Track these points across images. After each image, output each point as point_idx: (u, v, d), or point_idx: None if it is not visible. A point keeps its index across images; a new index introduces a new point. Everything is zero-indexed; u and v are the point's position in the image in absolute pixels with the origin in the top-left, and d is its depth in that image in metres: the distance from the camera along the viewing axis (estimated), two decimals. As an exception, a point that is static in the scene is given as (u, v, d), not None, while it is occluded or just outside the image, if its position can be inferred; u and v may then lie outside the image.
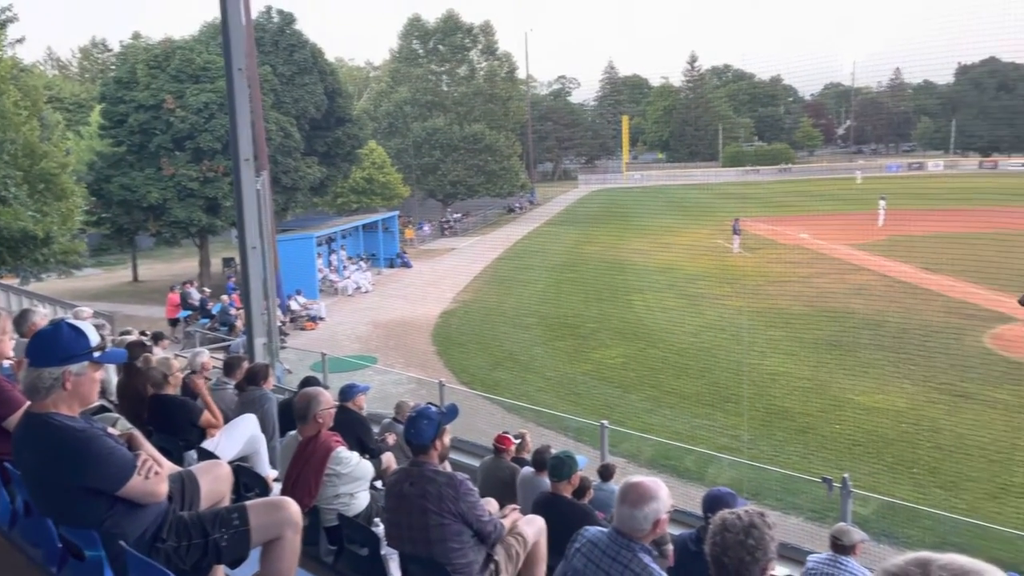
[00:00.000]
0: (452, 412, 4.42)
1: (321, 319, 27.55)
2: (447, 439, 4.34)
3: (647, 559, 3.12)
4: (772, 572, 2.72)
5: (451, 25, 59.71)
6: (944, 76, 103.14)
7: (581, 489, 6.45)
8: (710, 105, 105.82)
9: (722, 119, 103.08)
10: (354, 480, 4.97)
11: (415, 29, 60.38)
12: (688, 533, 4.53)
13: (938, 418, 15.15)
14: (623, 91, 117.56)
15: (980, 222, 39.57)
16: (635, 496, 3.14)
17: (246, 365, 7.59)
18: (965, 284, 26.34)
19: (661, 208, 61.12)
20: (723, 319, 23.88)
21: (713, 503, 4.21)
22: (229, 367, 7.72)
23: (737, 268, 33.25)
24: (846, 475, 7.57)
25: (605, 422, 10.22)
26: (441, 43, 60.05)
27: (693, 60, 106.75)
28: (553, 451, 6.60)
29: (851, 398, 16.49)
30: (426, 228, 53.38)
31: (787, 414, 15.83)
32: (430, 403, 4.66)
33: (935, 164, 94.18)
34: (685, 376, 18.79)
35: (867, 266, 31.57)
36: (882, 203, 43.07)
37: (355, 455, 5.08)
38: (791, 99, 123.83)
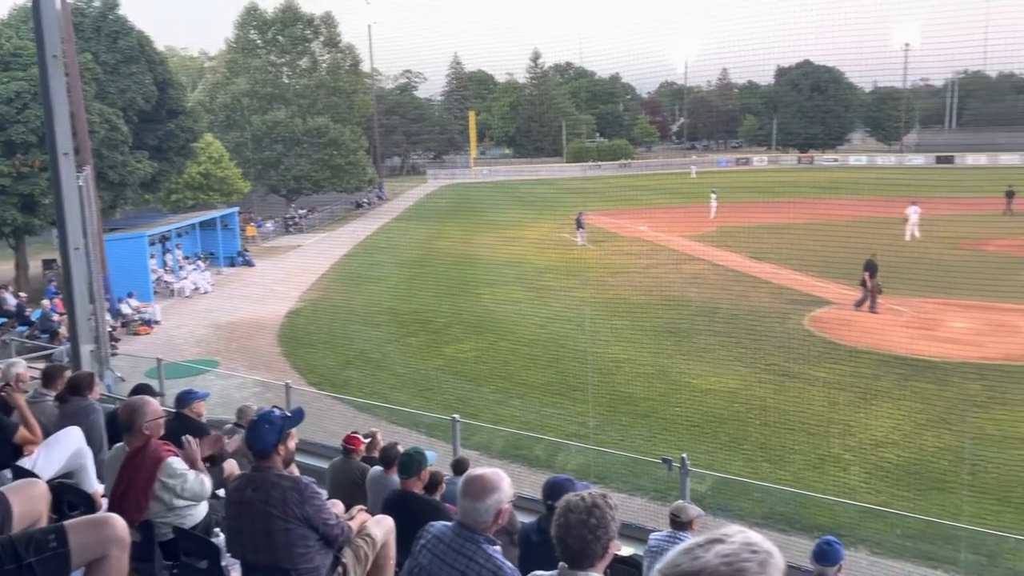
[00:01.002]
0: (298, 415, 4.28)
1: (156, 322, 25.99)
2: (292, 443, 4.20)
3: (491, 549, 3.16)
4: (616, 551, 2.82)
5: (290, 15, 57.81)
6: (765, 77, 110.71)
7: (432, 484, 6.43)
8: (553, 102, 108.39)
9: (565, 116, 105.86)
10: (188, 491, 4.72)
11: (252, 18, 58.00)
12: (529, 524, 4.61)
13: (766, 397, 16.26)
14: (469, 87, 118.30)
15: (800, 213, 42.77)
16: (476, 489, 3.17)
17: (68, 374, 7.03)
18: (788, 271, 28.41)
19: (509, 203, 62.04)
20: (569, 310, 24.55)
21: (552, 490, 4.30)
22: (49, 377, 7.12)
23: (582, 260, 34.27)
24: (684, 455, 7.98)
25: (457, 416, 10.27)
26: (280, 34, 58.03)
27: (536, 57, 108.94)
28: (402, 448, 6.54)
29: (689, 381, 17.40)
30: (269, 225, 51.51)
31: (631, 399, 16.49)
32: (275, 407, 4.50)
33: (760, 160, 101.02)
34: (534, 367, 19.18)
35: (701, 256, 33.39)
36: (713, 196, 45.66)
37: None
38: (629, 97, 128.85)
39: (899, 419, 14.63)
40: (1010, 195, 44.10)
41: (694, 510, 5.36)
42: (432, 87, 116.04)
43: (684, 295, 26.13)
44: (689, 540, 1.45)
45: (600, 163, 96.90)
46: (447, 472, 8.00)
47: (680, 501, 5.53)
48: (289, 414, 4.20)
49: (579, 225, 38.35)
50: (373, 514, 4.73)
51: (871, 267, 22.00)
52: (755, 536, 1.41)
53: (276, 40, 58.20)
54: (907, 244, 31.39)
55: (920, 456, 13.02)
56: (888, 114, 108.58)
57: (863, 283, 22.38)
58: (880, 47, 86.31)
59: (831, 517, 10.96)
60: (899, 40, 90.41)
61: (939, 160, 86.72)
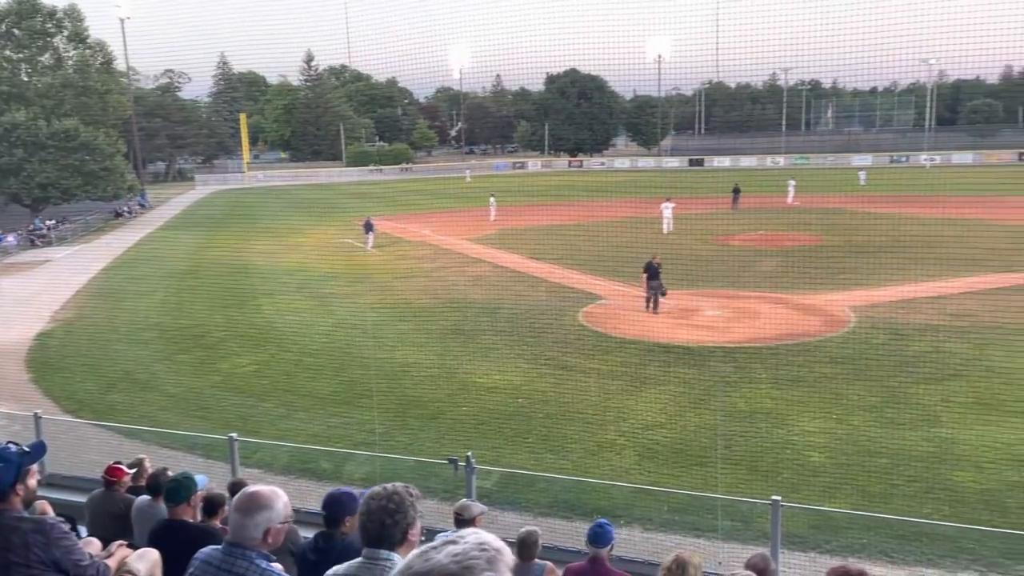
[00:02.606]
0: (38, 450, 3.88)
1: None
2: (33, 481, 3.80)
3: (264, 563, 3.06)
4: (419, 538, 2.94)
5: (28, 7, 52.02)
6: (536, 84, 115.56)
7: (211, 509, 6.09)
8: (330, 105, 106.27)
9: (343, 119, 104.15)
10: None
11: (-19, 9, 51.66)
12: (307, 542, 4.50)
13: (547, 390, 16.99)
14: (239, 88, 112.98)
15: (572, 214, 45.12)
16: (247, 505, 3.05)
17: None
18: (563, 269, 29.86)
19: (287, 208, 60.02)
20: (355, 316, 24.23)
21: (330, 505, 4.20)
22: None
23: (367, 265, 33.92)
24: (469, 453, 8.14)
25: (235, 435, 9.78)
26: (17, 27, 52.09)
27: (310, 59, 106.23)
28: (171, 474, 6.12)
29: (475, 380, 17.77)
30: (10, 239, 46.08)
31: (419, 403, 16.55)
32: (10, 442, 4.04)
33: (535, 163, 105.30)
34: (320, 377, 18.71)
35: (483, 258, 34.21)
36: (492, 200, 46.97)
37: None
38: (408, 101, 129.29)
39: (665, 402, 15.84)
40: (736, 192, 49.40)
41: (477, 507, 5.48)
42: (198, 88, 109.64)
43: (468, 296, 26.65)
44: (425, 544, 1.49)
45: (381, 167, 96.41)
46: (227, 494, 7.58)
47: (464, 500, 5.64)
48: (28, 449, 3.79)
49: (368, 229, 37.92)
50: (137, 548, 4.38)
51: (648, 269, 22.61)
52: (487, 536, 1.48)
53: (12, 34, 52.21)
54: (667, 241, 34.03)
55: (683, 435, 14.19)
56: (647, 120, 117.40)
57: (646, 283, 23.21)
58: (637, 58, 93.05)
59: (608, 500, 11.67)
60: (653, 52, 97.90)
61: (691, 163, 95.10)
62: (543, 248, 33.08)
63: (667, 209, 38.86)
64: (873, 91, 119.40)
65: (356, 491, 4.11)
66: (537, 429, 14.86)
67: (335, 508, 4.18)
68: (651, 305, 22.53)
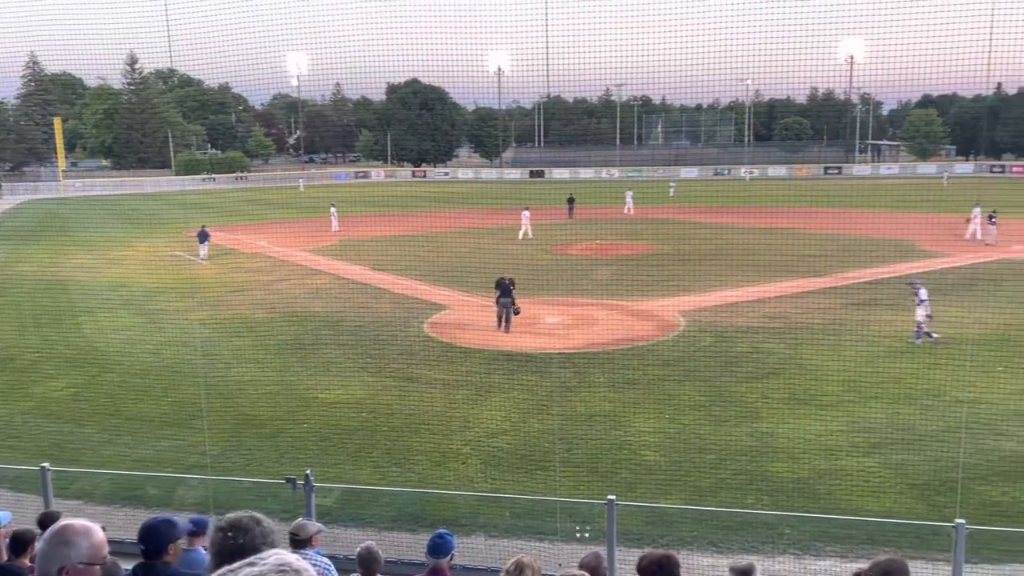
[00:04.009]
0: None
1: None
2: None
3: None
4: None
5: None
6: (377, 94, 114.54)
7: (17, 546, 5.59)
8: (156, 110, 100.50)
9: (171, 125, 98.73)
10: None
11: None
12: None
13: (392, 402, 16.82)
14: (52, 90, 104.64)
15: (415, 225, 45.01)
16: (49, 539, 2.81)
17: None
18: (407, 280, 29.71)
19: (110, 219, 56.12)
20: (186, 333, 22.97)
21: (148, 536, 3.93)
22: None
23: (198, 279, 32.29)
24: (308, 471, 7.92)
25: (47, 465, 9.03)
26: None
27: (133, 62, 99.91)
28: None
29: (317, 396, 17.30)
30: None
31: (257, 421, 15.92)
32: None
33: (377, 173, 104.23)
34: (147, 398, 17.60)
35: (324, 269, 33.45)
36: (333, 210, 46.06)
37: None
38: (242, 108, 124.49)
39: (508, 410, 16.09)
40: (571, 202, 51.25)
41: (313, 527, 5.35)
42: (3, 90, 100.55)
43: (309, 309, 25.96)
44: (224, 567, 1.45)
45: (214, 176, 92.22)
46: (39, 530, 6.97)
47: (299, 520, 5.47)
48: None
49: (203, 239, 36.09)
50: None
51: (500, 286, 21.95)
52: (290, 557, 1.46)
53: None
54: (507, 251, 34.61)
55: (526, 441, 14.46)
56: (489, 132, 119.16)
57: (497, 301, 22.84)
58: (478, 70, 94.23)
59: (453, 510, 11.70)
60: (493, 65, 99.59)
61: (532, 174, 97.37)
62: (386, 259, 32.78)
63: (525, 219, 41.31)
64: (699, 108, 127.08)
65: (177, 518, 3.89)
66: (382, 443, 14.68)
67: (154, 538, 3.93)
68: (502, 323, 21.99)
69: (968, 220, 37.60)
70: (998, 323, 21.40)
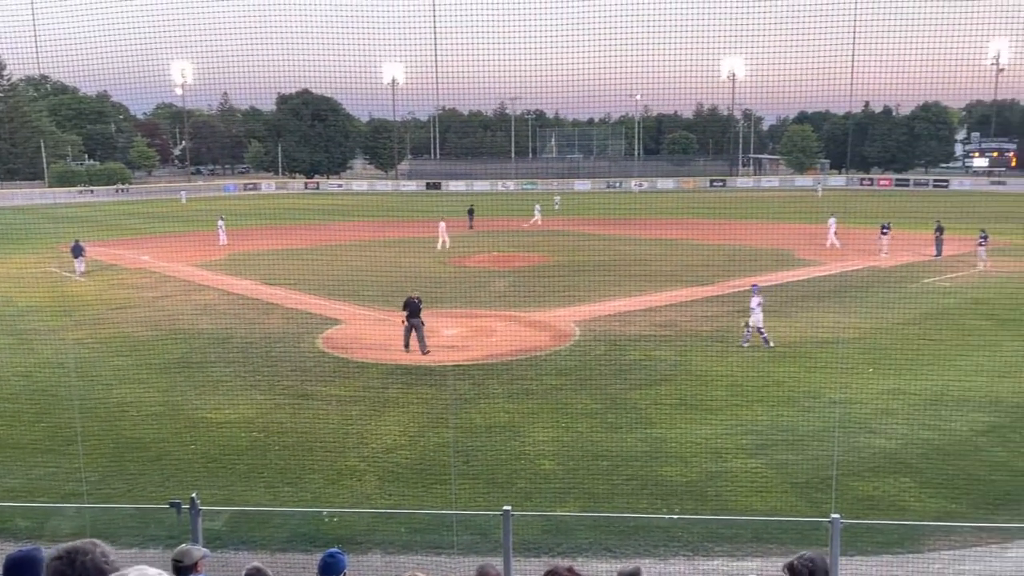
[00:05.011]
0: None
1: None
2: None
3: None
4: None
5: None
6: (267, 104, 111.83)
7: None
8: (27, 119, 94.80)
9: (44, 135, 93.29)
10: None
11: None
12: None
13: (285, 420, 16.37)
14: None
15: (308, 238, 44.13)
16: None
17: None
18: (299, 294, 29.04)
19: (-26, 234, 52.47)
20: (61, 354, 21.70)
21: (11, 570, 3.66)
22: None
23: (75, 296, 30.59)
24: (194, 495, 7.60)
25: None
26: None
27: (1, 68, 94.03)
28: None
29: (205, 416, 16.66)
30: None
31: (139, 444, 15.19)
32: None
33: (268, 185, 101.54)
34: (18, 424, 16.53)
35: (211, 284, 32.30)
36: (221, 223, 44.65)
37: None
38: (123, 117, 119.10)
39: (406, 424, 15.94)
40: (471, 213, 51.55)
41: (198, 551, 5.13)
42: None
43: (196, 326, 25.00)
44: None
45: (92, 188, 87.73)
46: None
47: (183, 546, 5.25)
48: None
49: (77, 253, 34.21)
50: None
51: (408, 305, 21.08)
52: (152, 572, 1.41)
53: None
54: (402, 264, 34.36)
55: (424, 455, 14.35)
56: (383, 144, 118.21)
57: (404, 321, 21.89)
58: (372, 82, 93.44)
59: (348, 528, 11.48)
60: (388, 76, 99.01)
61: (429, 186, 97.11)
62: (278, 273, 31.97)
63: (442, 229, 41.76)
64: (591, 122, 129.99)
65: (45, 550, 3.65)
66: (274, 462, 14.26)
67: (17, 573, 3.68)
68: (409, 344, 21.07)
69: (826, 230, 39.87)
70: (867, 327, 22.79)
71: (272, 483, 13.35)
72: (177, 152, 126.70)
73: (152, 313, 27.03)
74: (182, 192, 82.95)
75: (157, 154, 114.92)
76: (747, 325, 21.29)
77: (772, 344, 20.86)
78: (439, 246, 40.86)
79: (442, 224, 42.09)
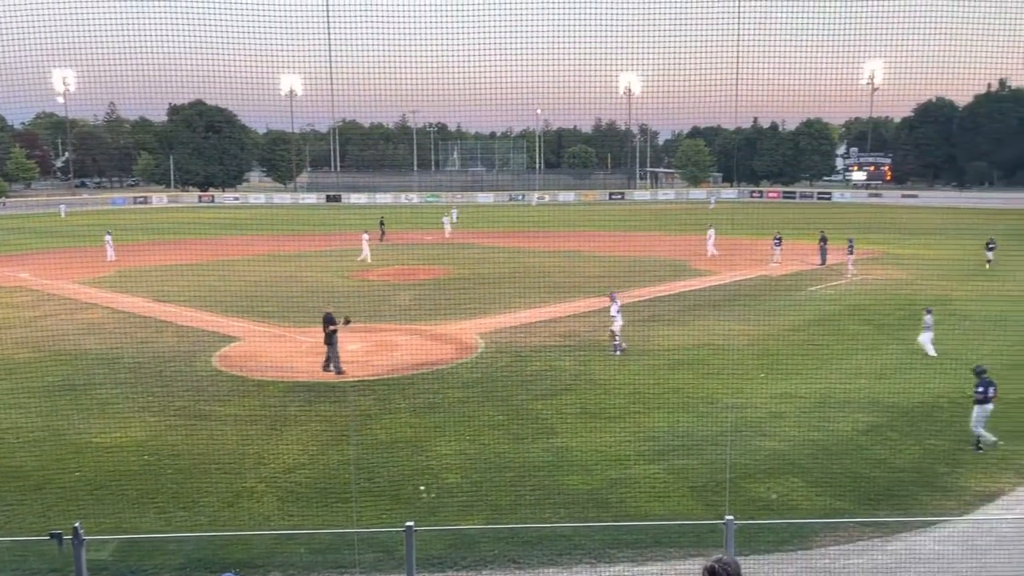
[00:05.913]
0: None
1: None
2: None
3: None
4: None
5: None
6: (159, 115, 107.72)
7: None
8: None
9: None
10: None
11: None
12: None
13: (178, 443, 15.71)
14: None
15: (202, 252, 42.65)
16: None
17: None
18: (194, 310, 27.99)
19: None
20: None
21: None
22: None
23: (-56, 317, 28.57)
24: (76, 524, 7.21)
25: None
26: None
27: None
28: None
29: (91, 441, 15.83)
30: None
31: (18, 473, 14.29)
32: None
33: (159, 198, 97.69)
34: None
35: (99, 302, 30.76)
36: (108, 238, 42.66)
37: None
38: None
39: (306, 442, 15.57)
40: (382, 224, 51.10)
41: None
42: None
43: (81, 346, 23.74)
44: None
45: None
46: None
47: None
48: None
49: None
50: None
51: (327, 320, 20.21)
52: None
53: None
54: (303, 278, 33.69)
55: (325, 473, 14.05)
56: (282, 156, 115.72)
57: (327, 340, 21.10)
58: (270, 93, 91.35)
59: (247, 551, 11.12)
60: (285, 87, 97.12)
61: (329, 199, 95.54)
62: (170, 289, 30.77)
63: (366, 244, 41.65)
64: (493, 135, 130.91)
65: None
66: (167, 486, 13.67)
67: None
68: (332, 365, 20.17)
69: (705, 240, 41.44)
70: (758, 333, 23.75)
71: (165, 508, 12.79)
72: (59, 164, 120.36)
73: (31, 333, 25.50)
74: (62, 206, 78.88)
75: (37, 166, 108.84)
76: (613, 334, 21.82)
77: (621, 351, 21.43)
78: (360, 258, 40.59)
79: (365, 235, 41.90)
